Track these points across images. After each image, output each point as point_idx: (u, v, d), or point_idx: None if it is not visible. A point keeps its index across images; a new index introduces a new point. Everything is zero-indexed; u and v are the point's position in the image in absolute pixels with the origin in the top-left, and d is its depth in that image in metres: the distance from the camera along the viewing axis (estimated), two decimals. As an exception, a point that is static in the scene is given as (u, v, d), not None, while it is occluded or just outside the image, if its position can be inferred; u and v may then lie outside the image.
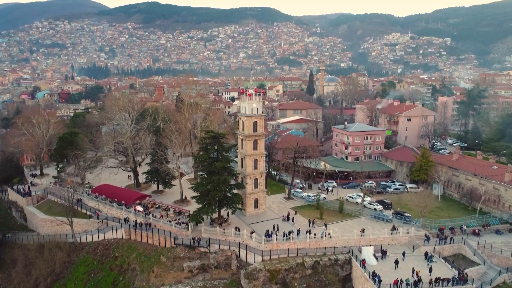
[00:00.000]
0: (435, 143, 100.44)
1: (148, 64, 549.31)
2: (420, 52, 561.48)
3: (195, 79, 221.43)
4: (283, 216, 60.09)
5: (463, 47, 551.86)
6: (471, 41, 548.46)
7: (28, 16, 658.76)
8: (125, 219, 59.88)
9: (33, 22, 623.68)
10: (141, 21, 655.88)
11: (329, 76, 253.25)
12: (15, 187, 78.88)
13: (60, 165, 78.45)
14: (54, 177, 79.18)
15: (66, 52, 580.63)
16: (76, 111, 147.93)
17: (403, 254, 49.52)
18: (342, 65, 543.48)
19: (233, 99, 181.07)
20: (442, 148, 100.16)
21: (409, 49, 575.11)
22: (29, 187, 76.86)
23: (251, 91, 59.75)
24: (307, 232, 52.49)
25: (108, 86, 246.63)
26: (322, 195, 68.67)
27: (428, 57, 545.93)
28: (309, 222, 57.66)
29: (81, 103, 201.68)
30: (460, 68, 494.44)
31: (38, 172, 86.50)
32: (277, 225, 55.61)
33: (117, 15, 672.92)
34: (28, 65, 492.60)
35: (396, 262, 47.60)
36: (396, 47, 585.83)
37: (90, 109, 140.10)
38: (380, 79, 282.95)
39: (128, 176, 78.60)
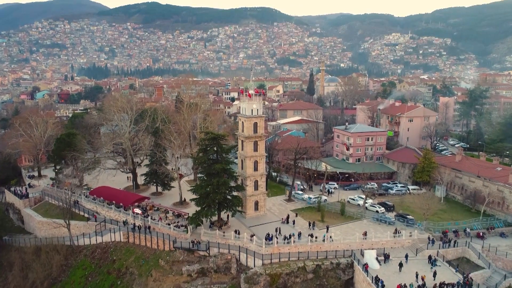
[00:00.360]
0: (437, 144, 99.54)
1: (148, 65, 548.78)
2: (420, 52, 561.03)
3: (195, 79, 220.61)
4: (282, 218, 59.11)
5: (463, 47, 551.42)
6: (471, 41, 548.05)
7: (28, 17, 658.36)
8: (124, 222, 58.87)
9: (33, 23, 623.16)
10: (141, 21, 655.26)
11: (330, 76, 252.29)
12: (12, 188, 77.84)
13: (58, 167, 77.54)
14: (51, 178, 78.23)
15: (66, 53, 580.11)
16: (75, 111, 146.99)
17: (406, 256, 48.58)
18: (342, 65, 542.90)
19: (233, 99, 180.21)
20: (444, 149, 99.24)
21: (409, 49, 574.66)
22: (26, 188, 75.88)
23: (251, 91, 58.76)
24: (309, 236, 51.48)
25: (107, 87, 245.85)
26: (323, 197, 67.72)
27: (428, 57, 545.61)
28: (309, 225, 56.79)
29: (80, 103, 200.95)
30: (460, 68, 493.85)
31: (35, 174, 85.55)
32: (279, 228, 54.64)
33: (117, 15, 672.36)
34: (28, 66, 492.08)
35: (400, 265, 46.72)
36: (396, 47, 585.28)
37: (89, 110, 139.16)
38: (381, 79, 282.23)
39: (128, 177, 77.70)
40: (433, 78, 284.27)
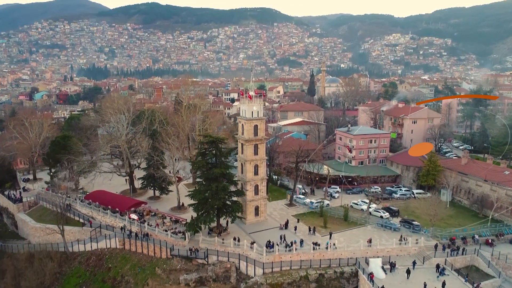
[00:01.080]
0: (441, 146, 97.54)
1: (147, 65, 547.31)
2: (421, 52, 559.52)
3: (195, 80, 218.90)
4: (280, 224, 57.04)
5: (464, 48, 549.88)
6: (471, 42, 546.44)
7: (27, 17, 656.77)
8: (121, 228, 56.80)
9: (32, 23, 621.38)
10: (141, 21, 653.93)
11: (330, 77, 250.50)
12: (6, 192, 75.84)
13: (53, 170, 75.58)
14: (46, 182, 76.31)
15: (66, 53, 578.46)
16: (73, 113, 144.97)
17: (413, 263, 46.70)
18: (342, 65, 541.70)
19: (233, 100, 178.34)
20: (449, 151, 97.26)
21: (410, 49, 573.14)
22: (20, 192, 73.90)
23: (251, 93, 56.78)
24: (313, 243, 49.47)
25: (107, 87, 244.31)
26: (326, 202, 65.73)
27: (429, 58, 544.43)
28: (309, 230, 54.87)
29: (79, 104, 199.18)
30: (461, 68, 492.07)
31: (31, 177, 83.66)
32: (284, 235, 52.62)
33: (116, 16, 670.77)
34: (28, 66, 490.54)
35: (408, 272, 44.94)
36: (397, 47, 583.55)
37: (86, 111, 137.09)
38: (382, 80, 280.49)
39: (126, 180, 75.57)
40: (434, 79, 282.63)
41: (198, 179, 58.21)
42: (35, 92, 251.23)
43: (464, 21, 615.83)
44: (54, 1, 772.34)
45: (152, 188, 69.53)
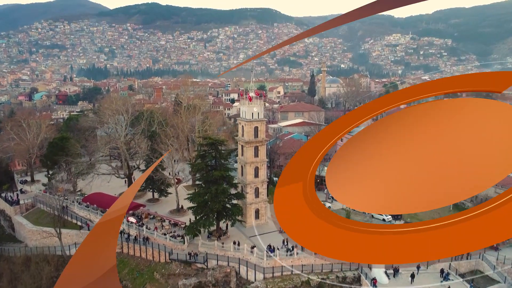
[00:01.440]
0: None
1: (147, 65, 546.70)
2: (421, 53, 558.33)
3: (195, 80, 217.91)
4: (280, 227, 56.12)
5: (464, 48, 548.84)
6: (472, 42, 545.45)
7: (27, 17, 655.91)
8: (121, 232, 55.86)
9: (32, 23, 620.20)
10: (141, 22, 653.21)
11: (331, 77, 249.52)
12: (3, 194, 74.95)
13: (51, 172, 74.66)
14: (44, 184, 75.42)
15: (66, 53, 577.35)
16: (71, 113, 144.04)
17: (417, 268, 45.82)
18: (342, 66, 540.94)
19: (233, 100, 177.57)
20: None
21: (410, 50, 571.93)
22: (17, 194, 73.01)
23: (251, 94, 55.93)
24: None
25: (106, 88, 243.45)
26: (327, 204, 64.68)
27: (429, 58, 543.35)
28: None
29: (78, 105, 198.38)
30: (461, 69, 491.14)
31: (28, 179, 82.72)
32: (286, 239, 51.73)
33: (117, 16, 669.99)
34: (27, 66, 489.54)
35: (412, 276, 44.16)
36: (397, 48, 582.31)
37: (85, 112, 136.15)
38: (382, 80, 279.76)
39: (125, 181, 74.65)
40: (435, 79, 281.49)
41: (197, 182, 57.34)
42: (35, 92, 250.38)
43: (465, 21, 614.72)
44: (54, 1, 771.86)
45: (151, 190, 68.64)
